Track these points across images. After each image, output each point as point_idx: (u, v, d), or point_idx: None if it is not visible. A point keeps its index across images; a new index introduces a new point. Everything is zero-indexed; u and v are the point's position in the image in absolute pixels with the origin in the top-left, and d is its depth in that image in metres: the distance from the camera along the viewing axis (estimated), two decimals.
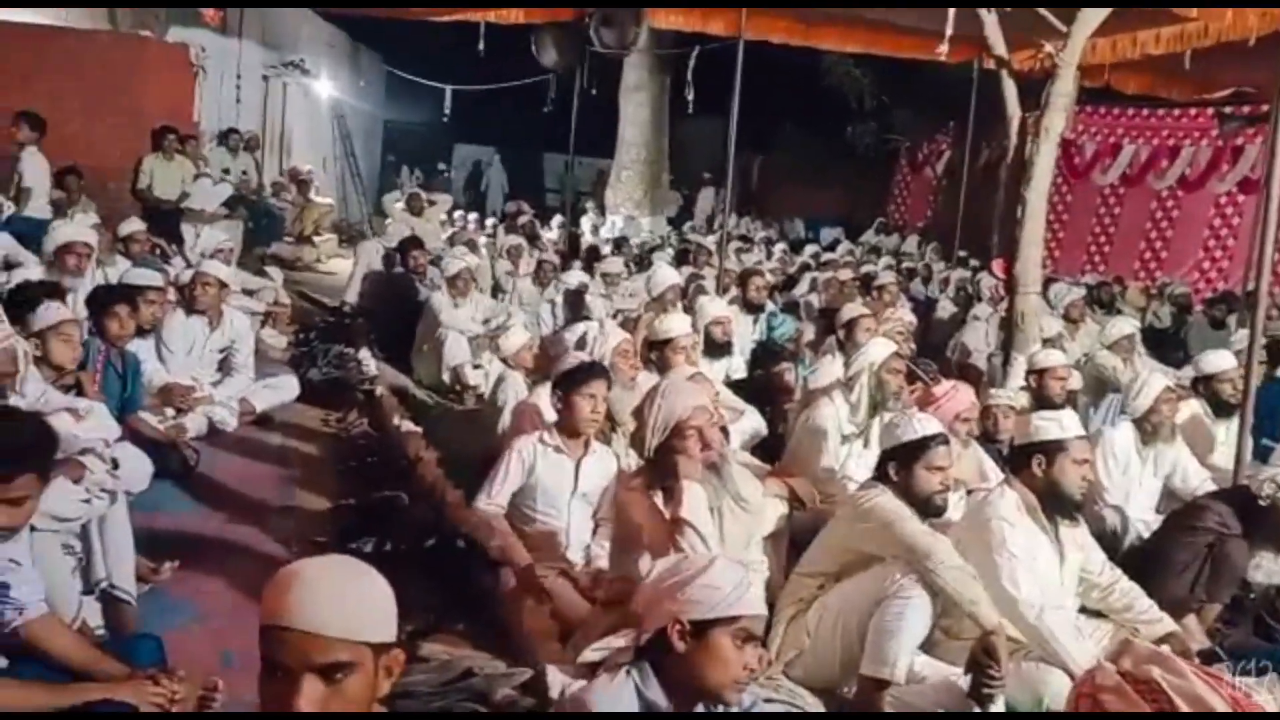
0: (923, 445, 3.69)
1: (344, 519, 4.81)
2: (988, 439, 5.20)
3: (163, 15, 12.24)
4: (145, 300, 5.55)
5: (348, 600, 1.71)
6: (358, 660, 1.70)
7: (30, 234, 6.97)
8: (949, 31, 7.52)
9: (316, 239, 13.79)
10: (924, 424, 3.78)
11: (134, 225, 7.44)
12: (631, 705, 2.29)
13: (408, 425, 6.26)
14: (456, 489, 4.97)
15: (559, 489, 4.22)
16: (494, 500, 4.21)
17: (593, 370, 4.27)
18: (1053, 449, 3.75)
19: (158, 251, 8.12)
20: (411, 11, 10.58)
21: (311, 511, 4.99)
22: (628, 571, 3.54)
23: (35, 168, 8.47)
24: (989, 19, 7.21)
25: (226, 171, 12.07)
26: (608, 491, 4.27)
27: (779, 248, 15.08)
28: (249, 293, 8.31)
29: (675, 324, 5.50)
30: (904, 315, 7.27)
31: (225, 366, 6.22)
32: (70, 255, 6.04)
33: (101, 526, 3.44)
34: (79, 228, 6.43)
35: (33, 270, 5.92)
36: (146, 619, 3.56)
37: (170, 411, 5.64)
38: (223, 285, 6.23)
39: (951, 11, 7.40)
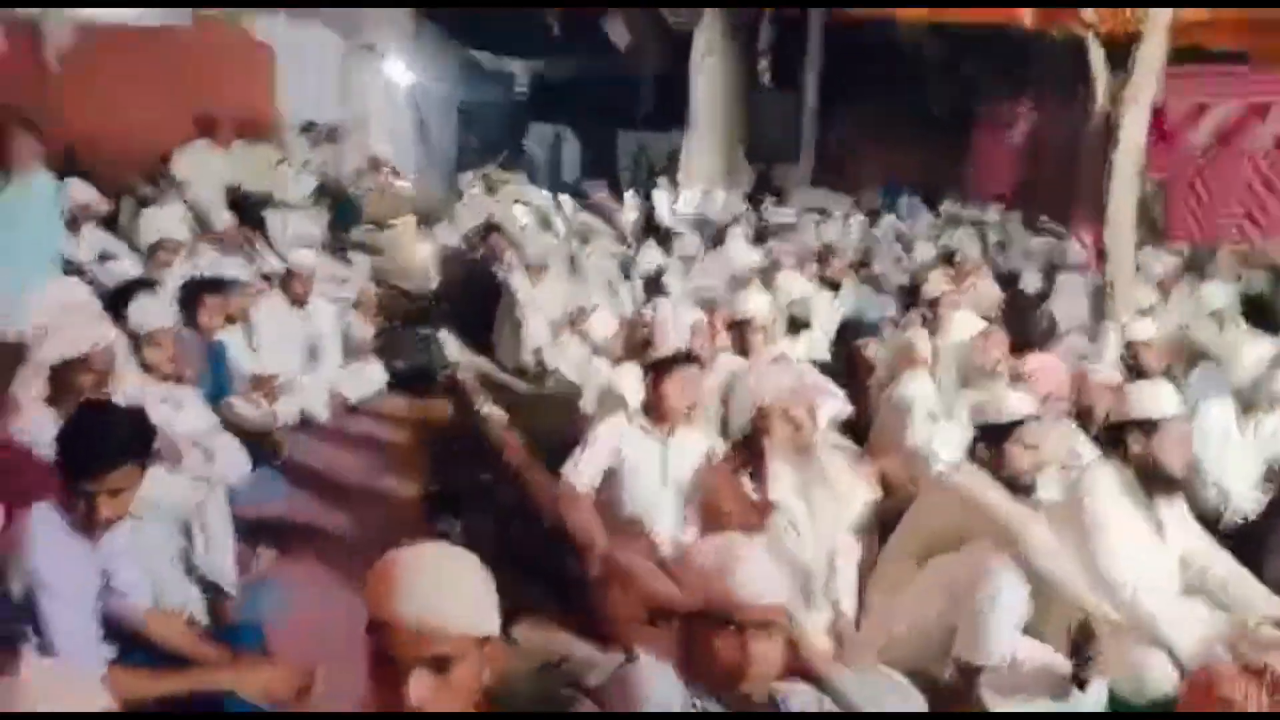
0: (1013, 423, 3.62)
1: (432, 504, 4.88)
2: (1081, 415, 5.07)
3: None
4: (235, 291, 5.68)
5: (456, 592, 1.73)
6: (465, 651, 1.72)
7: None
8: None
9: (396, 224, 13.95)
10: (1015, 401, 3.71)
11: (225, 219, 7.60)
12: (671, 685, 2.21)
13: (491, 409, 6.32)
14: (541, 472, 5.01)
15: (648, 473, 4.09)
16: (580, 474, 4.06)
17: (685, 356, 4.20)
18: (1150, 424, 3.65)
19: (245, 243, 8.29)
20: None
21: (401, 498, 5.08)
22: None
23: None
24: None
25: (306, 163, 12.25)
26: (696, 474, 4.25)
27: (855, 220, 14.87)
28: (335, 281, 8.44)
29: (754, 303, 5.43)
30: (989, 288, 7.12)
31: (314, 355, 6.34)
32: (161, 250, 6.20)
33: (201, 516, 3.54)
34: (170, 221, 6.58)
35: (126, 263, 6.08)
36: (245, 607, 3.66)
37: (263, 401, 5.77)
38: (311, 275, 6.34)
39: None
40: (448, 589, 1.73)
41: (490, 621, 1.78)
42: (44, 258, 5.77)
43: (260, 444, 5.02)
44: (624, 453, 4.09)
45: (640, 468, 4.10)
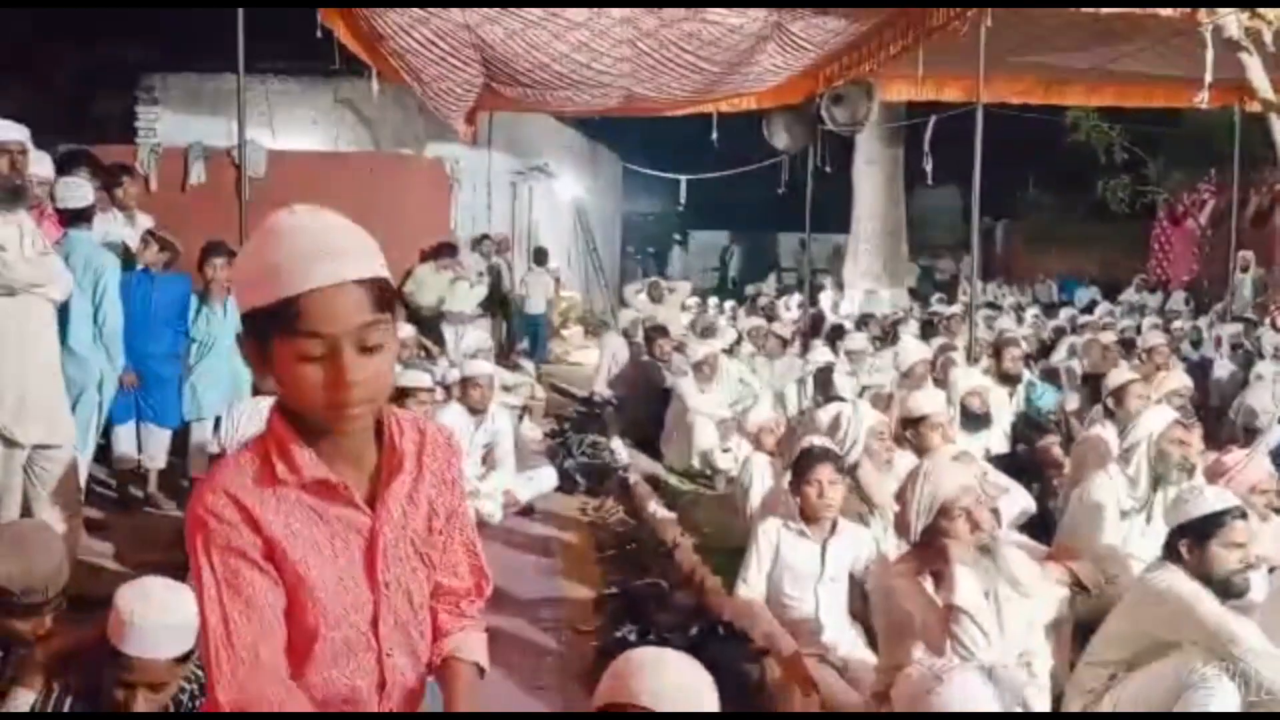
0: (1217, 520, 3.41)
1: (609, 607, 4.89)
2: None
3: (421, 134, 13.22)
4: (416, 400, 5.90)
5: (692, 684, 1.87)
6: None
7: None
8: (1209, 78, 7.08)
9: (564, 332, 14.35)
10: (1217, 497, 3.50)
11: (404, 331, 7.96)
12: None
13: (662, 512, 6.35)
14: (714, 575, 4.99)
15: (806, 573, 4.18)
16: (751, 588, 4.24)
17: (816, 455, 4.21)
18: None
19: (423, 353, 8.66)
20: (645, 109, 10.96)
21: (576, 600, 5.11)
22: (899, 661, 3.41)
23: None
24: (1251, 61, 6.78)
25: (481, 274, 12.78)
26: (869, 570, 4.18)
27: (1030, 312, 14.48)
28: (506, 388, 8.70)
29: (927, 401, 5.32)
30: (1179, 379, 6.77)
31: (489, 460, 6.50)
32: None
33: None
34: None
35: None
36: (430, 703, 3.72)
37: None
38: (489, 383, 6.55)
39: (1210, 56, 6.98)
40: (684, 681, 1.87)
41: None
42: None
43: None
44: (782, 554, 4.21)
45: (799, 569, 4.20)
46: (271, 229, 1.48)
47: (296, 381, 1.44)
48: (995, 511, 3.90)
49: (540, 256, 14.37)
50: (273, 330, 1.43)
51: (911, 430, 5.14)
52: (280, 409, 1.53)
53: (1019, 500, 5.08)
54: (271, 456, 1.50)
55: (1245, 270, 13.45)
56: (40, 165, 5.42)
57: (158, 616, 2.52)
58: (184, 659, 2.60)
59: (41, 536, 3.03)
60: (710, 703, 1.89)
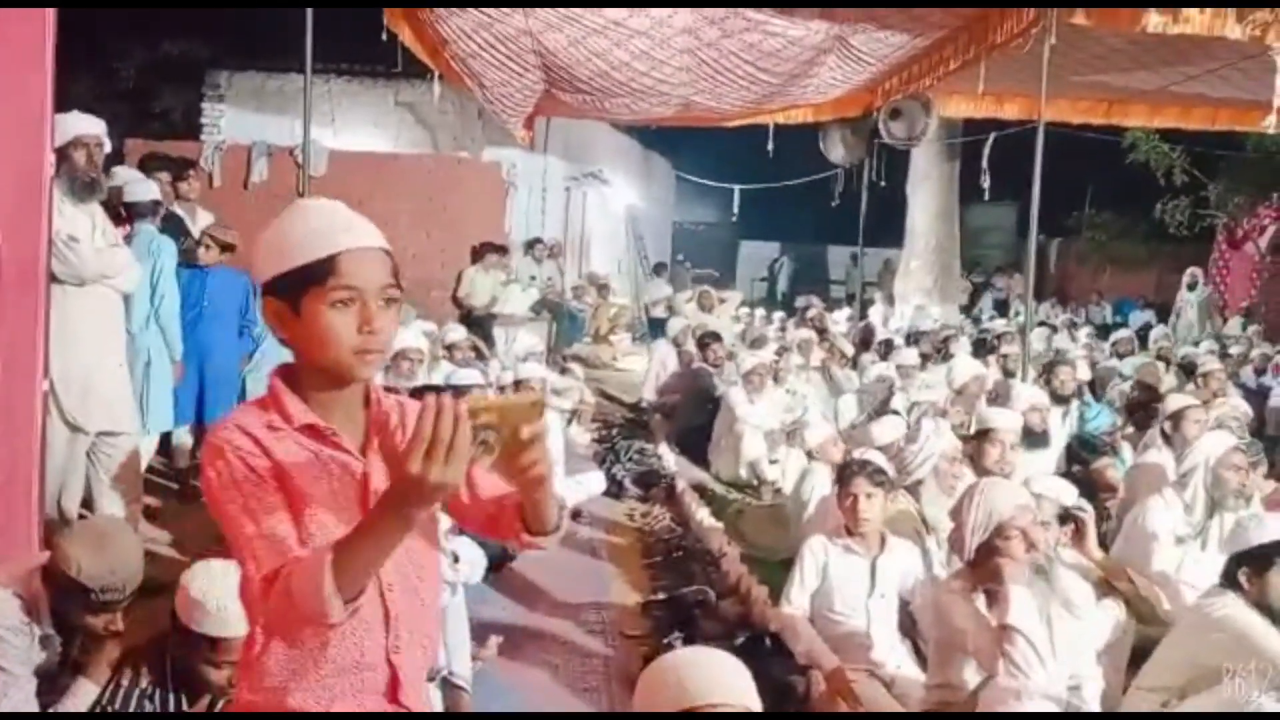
0: (1279, 549, 3.37)
1: (655, 613, 4.91)
2: None
3: (479, 137, 13.35)
4: None
5: (744, 678, 1.90)
6: None
7: None
8: (1278, 102, 6.97)
9: (613, 338, 14.40)
10: (1277, 526, 3.45)
11: (458, 333, 8.05)
12: None
13: (709, 520, 6.36)
14: (760, 585, 4.99)
15: (855, 589, 4.17)
16: (794, 604, 4.25)
17: (855, 468, 4.22)
18: None
19: (475, 354, 8.73)
20: (702, 119, 10.98)
21: (623, 605, 5.14)
22: (950, 678, 3.41)
23: None
24: None
25: (533, 278, 12.87)
26: (918, 588, 4.17)
27: (1083, 332, 14.31)
28: (556, 393, 8.74)
29: (998, 416, 5.25)
30: (1237, 404, 6.67)
31: None
32: (404, 360, 6.59)
33: (443, 617, 3.68)
34: (413, 334, 7.01)
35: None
36: (477, 705, 3.77)
37: None
38: (541, 386, 6.59)
39: (1279, 80, 6.87)
40: (739, 675, 1.89)
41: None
42: None
43: (490, 548, 5.23)
44: (830, 570, 4.21)
45: (848, 585, 4.19)
46: (302, 206, 1.76)
47: (326, 330, 1.66)
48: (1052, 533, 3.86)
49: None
50: (307, 285, 1.66)
51: (973, 444, 5.10)
52: (279, 373, 1.75)
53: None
54: (269, 409, 1.71)
55: None
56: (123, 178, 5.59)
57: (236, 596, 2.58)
58: None
59: (123, 535, 3.09)
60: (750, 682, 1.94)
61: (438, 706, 3.63)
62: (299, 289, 1.67)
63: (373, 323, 1.67)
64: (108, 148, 4.94)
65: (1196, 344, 12.23)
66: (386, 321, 1.69)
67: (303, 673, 1.69)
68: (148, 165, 6.47)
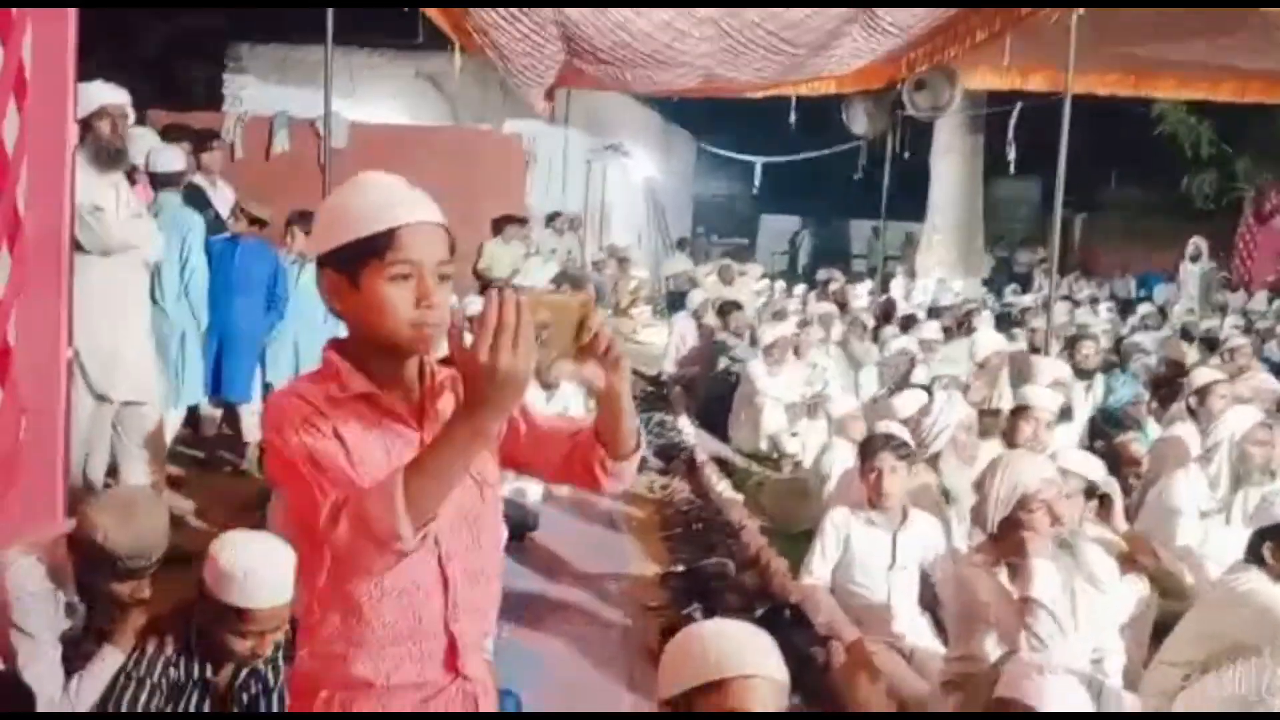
0: None
1: (675, 584, 4.93)
2: None
3: (499, 109, 13.33)
4: None
5: (773, 649, 1.96)
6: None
7: None
8: None
9: (633, 311, 14.39)
10: None
11: (479, 305, 8.04)
12: None
13: (729, 492, 6.37)
14: (780, 557, 5.00)
15: (876, 562, 4.17)
16: (815, 575, 4.26)
17: (879, 442, 4.21)
18: None
19: None
20: (725, 90, 10.90)
21: (643, 575, 5.15)
22: (971, 650, 3.40)
23: None
24: None
25: (553, 251, 12.86)
26: (938, 561, 4.16)
27: (1104, 307, 14.21)
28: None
29: (1036, 394, 5.23)
30: (1265, 379, 6.60)
31: None
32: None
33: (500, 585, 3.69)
34: None
35: None
36: (503, 675, 3.78)
37: (512, 477, 5.99)
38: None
39: None
40: (766, 643, 1.95)
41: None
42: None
43: (510, 517, 5.25)
44: (852, 542, 4.21)
45: (869, 557, 4.19)
46: (362, 180, 1.74)
47: (385, 302, 1.65)
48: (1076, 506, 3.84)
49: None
50: (366, 259, 1.65)
51: (1008, 420, 5.09)
52: (333, 346, 1.75)
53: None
54: (326, 381, 1.71)
55: None
56: (142, 145, 5.59)
57: (269, 567, 2.61)
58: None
59: (150, 504, 3.11)
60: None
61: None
62: (358, 262, 1.66)
63: (430, 297, 1.66)
64: (132, 118, 4.96)
65: (1145, 317, 12.16)
66: (443, 296, 1.69)
67: (360, 641, 1.70)
68: (169, 136, 6.45)
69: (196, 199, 6.36)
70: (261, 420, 1.67)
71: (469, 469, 1.58)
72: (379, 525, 1.51)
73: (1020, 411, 5.05)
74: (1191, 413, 5.66)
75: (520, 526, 5.35)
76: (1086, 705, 2.45)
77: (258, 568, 2.61)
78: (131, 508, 2.97)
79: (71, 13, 3.85)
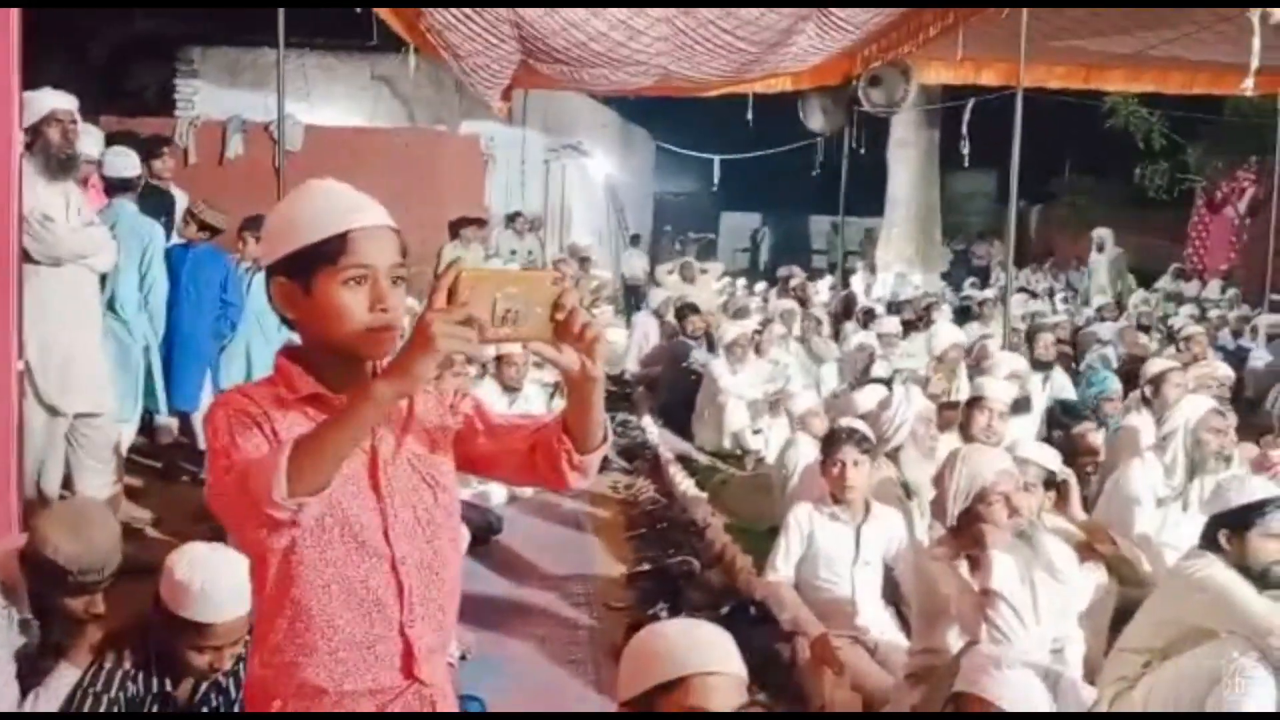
0: (1259, 510, 3.38)
1: (640, 584, 4.93)
2: None
3: (456, 110, 13.25)
4: (451, 373, 5.92)
5: (732, 646, 1.97)
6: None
7: None
8: (1255, 65, 6.98)
9: (595, 310, 14.37)
10: (1259, 487, 3.48)
11: None
12: None
13: (693, 491, 6.37)
14: (745, 554, 5.01)
15: (840, 556, 4.19)
16: (779, 572, 4.27)
17: (842, 435, 4.23)
18: None
19: None
20: (681, 89, 10.92)
21: (608, 576, 5.15)
22: (934, 643, 3.43)
23: None
24: None
25: (513, 252, 12.81)
26: (901, 555, 4.19)
27: (1059, 298, 14.37)
28: (538, 366, 8.71)
29: (990, 385, 5.28)
30: (1218, 368, 6.70)
31: None
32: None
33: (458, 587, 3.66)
34: None
35: None
36: (464, 679, 3.77)
37: (474, 479, 5.97)
38: (524, 361, 6.57)
39: (1257, 43, 6.87)
40: (719, 637, 1.96)
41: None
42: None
43: (473, 520, 5.22)
44: (816, 538, 4.22)
45: (833, 552, 4.21)
46: (310, 187, 1.75)
47: (339, 307, 1.65)
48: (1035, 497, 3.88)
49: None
50: (318, 265, 1.65)
51: (963, 411, 5.14)
52: (284, 352, 1.76)
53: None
54: (276, 384, 1.72)
55: None
56: (89, 142, 5.47)
57: (226, 580, 2.56)
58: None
59: (101, 516, 3.06)
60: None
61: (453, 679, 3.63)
62: (311, 268, 1.66)
63: (385, 300, 1.66)
64: (81, 125, 4.88)
65: (1101, 309, 12.33)
66: (397, 299, 1.68)
67: (312, 647, 1.69)
68: (118, 143, 6.36)
69: (160, 204, 6.27)
70: (204, 417, 1.69)
71: (359, 439, 1.57)
72: (256, 481, 1.51)
73: (975, 402, 5.09)
74: (1146, 401, 5.73)
75: (484, 530, 5.33)
76: (1044, 698, 2.47)
77: (214, 581, 2.57)
78: (81, 520, 2.93)
79: (14, 14, 3.77)
